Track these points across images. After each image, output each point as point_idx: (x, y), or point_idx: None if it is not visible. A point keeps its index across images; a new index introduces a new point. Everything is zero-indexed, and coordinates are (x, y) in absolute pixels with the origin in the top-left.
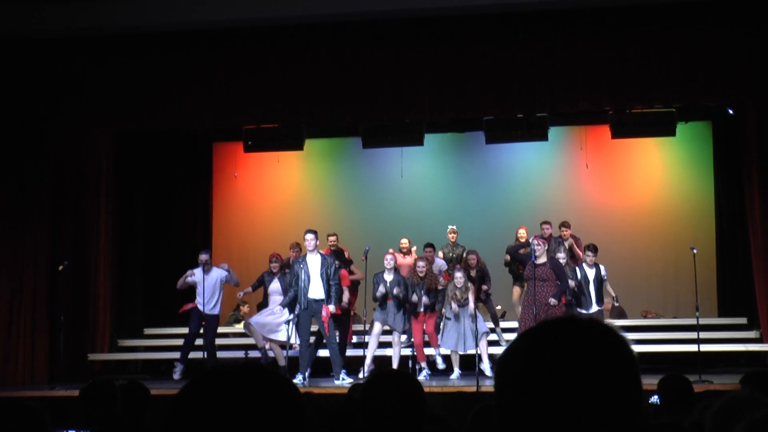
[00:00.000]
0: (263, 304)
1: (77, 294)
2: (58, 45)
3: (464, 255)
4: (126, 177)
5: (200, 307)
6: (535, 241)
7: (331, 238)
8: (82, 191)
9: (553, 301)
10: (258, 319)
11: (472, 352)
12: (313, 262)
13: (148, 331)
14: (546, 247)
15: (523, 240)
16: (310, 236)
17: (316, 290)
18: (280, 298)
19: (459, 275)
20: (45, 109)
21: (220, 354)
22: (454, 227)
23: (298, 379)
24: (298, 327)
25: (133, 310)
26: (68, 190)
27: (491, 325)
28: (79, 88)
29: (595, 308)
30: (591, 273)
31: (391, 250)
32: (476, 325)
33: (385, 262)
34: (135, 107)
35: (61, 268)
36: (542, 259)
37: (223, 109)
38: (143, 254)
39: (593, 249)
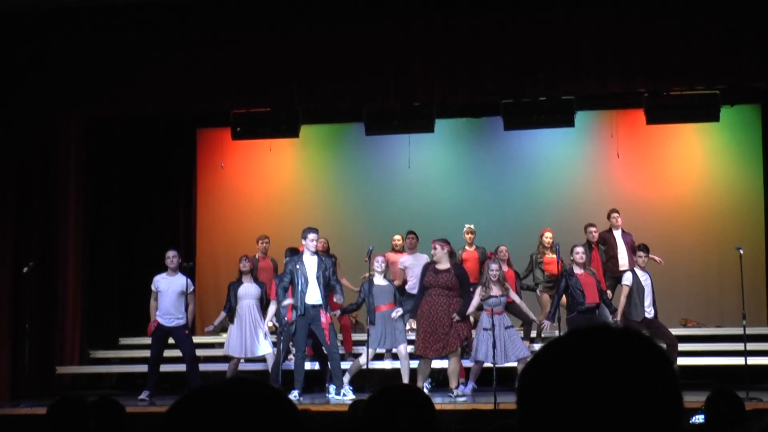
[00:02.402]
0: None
1: (44, 299)
2: (21, 18)
3: (495, 249)
4: (99, 168)
5: (162, 321)
6: (437, 245)
7: (321, 240)
8: (50, 184)
9: (456, 317)
10: (235, 343)
11: (512, 364)
12: (310, 264)
13: (123, 341)
14: (445, 251)
15: (548, 245)
16: (313, 236)
17: (313, 295)
18: (250, 303)
19: (494, 267)
20: (6, 91)
21: (204, 367)
22: (472, 226)
23: (293, 395)
24: (295, 336)
25: (107, 317)
26: (34, 183)
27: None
28: (45, 68)
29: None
30: (644, 277)
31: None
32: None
33: (375, 265)
34: (109, 89)
35: (25, 270)
36: (444, 265)
37: (208, 91)
38: (119, 254)
39: (645, 248)
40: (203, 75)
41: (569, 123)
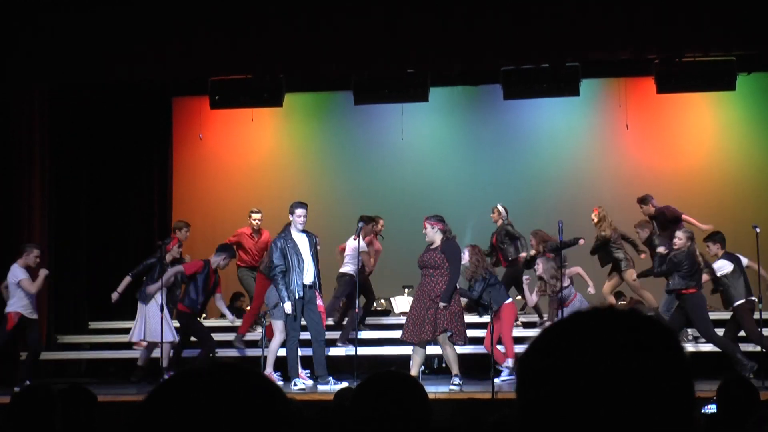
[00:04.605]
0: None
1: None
2: None
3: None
4: (66, 141)
5: (24, 312)
6: (426, 224)
7: (256, 216)
8: (11, 158)
9: (441, 304)
10: (152, 327)
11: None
12: (302, 241)
13: (93, 325)
14: (435, 230)
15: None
16: (301, 211)
17: (309, 274)
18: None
19: (542, 263)
20: None
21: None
22: (498, 206)
23: (297, 386)
24: (290, 320)
25: (75, 300)
26: None
27: None
28: (8, 32)
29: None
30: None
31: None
32: None
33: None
34: (75, 55)
35: None
36: (435, 244)
37: (184, 57)
38: (88, 233)
39: (719, 239)
40: (178, 39)
41: (574, 92)
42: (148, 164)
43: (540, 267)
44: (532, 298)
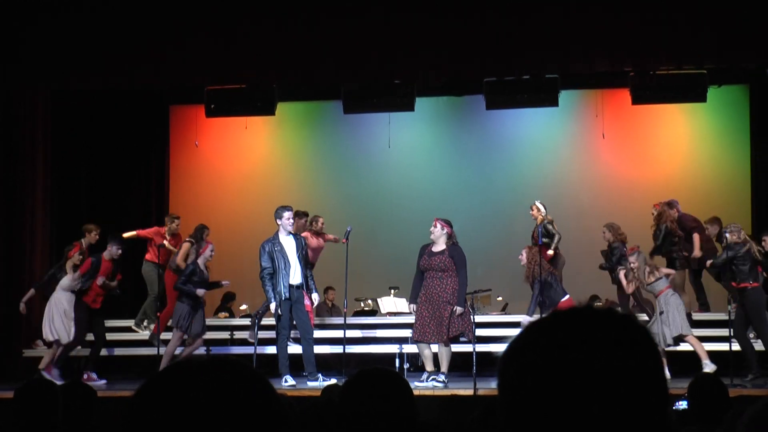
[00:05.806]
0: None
1: (9, 279)
2: None
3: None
4: (67, 145)
5: None
6: (437, 224)
7: (177, 221)
8: (14, 161)
9: (459, 309)
10: (61, 327)
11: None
12: (289, 244)
13: None
14: (444, 231)
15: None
16: (288, 214)
17: (296, 275)
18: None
19: (633, 259)
20: None
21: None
22: (536, 203)
23: (288, 382)
24: (280, 320)
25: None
26: None
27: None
28: (10, 38)
29: None
30: None
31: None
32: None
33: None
34: (77, 62)
35: None
36: (440, 246)
37: (181, 66)
38: None
39: None
40: (176, 49)
41: (553, 102)
42: (146, 170)
43: (634, 260)
44: (629, 288)
